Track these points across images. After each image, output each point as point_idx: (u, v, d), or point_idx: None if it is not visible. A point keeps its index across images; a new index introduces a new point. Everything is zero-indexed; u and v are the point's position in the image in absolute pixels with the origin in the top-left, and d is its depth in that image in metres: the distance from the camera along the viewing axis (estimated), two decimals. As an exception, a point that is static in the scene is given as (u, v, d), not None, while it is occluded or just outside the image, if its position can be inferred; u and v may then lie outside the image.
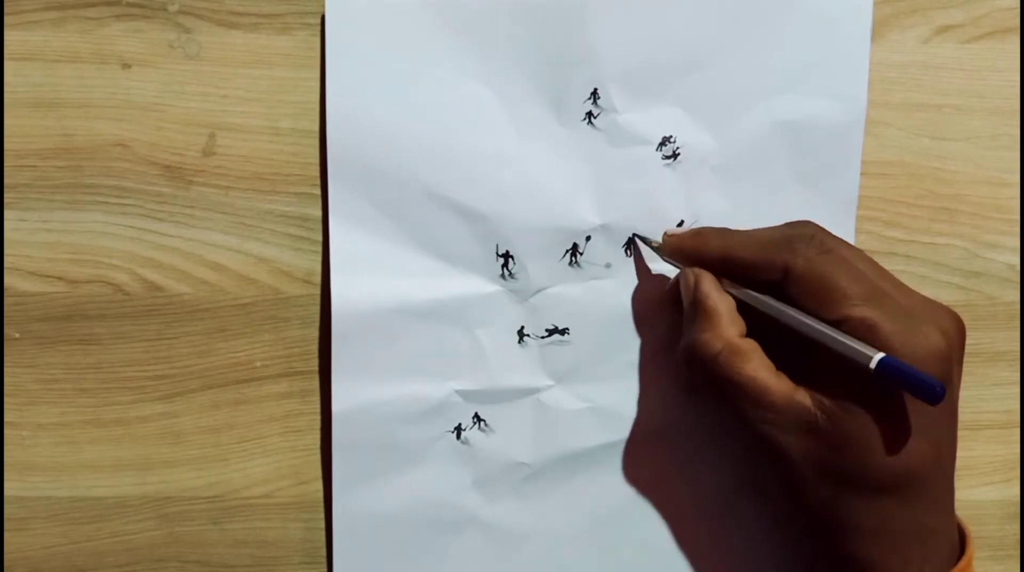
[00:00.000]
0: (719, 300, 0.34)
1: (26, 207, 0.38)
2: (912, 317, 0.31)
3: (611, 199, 0.38)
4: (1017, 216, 0.40)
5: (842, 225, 0.39)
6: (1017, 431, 0.41)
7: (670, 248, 0.37)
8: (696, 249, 0.36)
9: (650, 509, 0.40)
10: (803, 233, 0.33)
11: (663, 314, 0.39)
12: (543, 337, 0.39)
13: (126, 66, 0.38)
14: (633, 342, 0.39)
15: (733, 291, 0.35)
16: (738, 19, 0.37)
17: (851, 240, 0.39)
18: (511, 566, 0.40)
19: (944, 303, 0.33)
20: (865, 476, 0.32)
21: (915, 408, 0.31)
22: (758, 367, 0.33)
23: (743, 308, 0.35)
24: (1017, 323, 0.40)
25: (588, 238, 0.39)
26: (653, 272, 0.39)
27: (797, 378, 0.33)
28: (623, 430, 0.40)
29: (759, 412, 0.32)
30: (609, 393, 0.40)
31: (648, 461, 0.40)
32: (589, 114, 0.38)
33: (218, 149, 0.38)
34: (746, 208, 0.39)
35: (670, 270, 0.39)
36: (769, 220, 0.38)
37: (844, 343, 0.31)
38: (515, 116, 0.38)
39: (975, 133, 0.39)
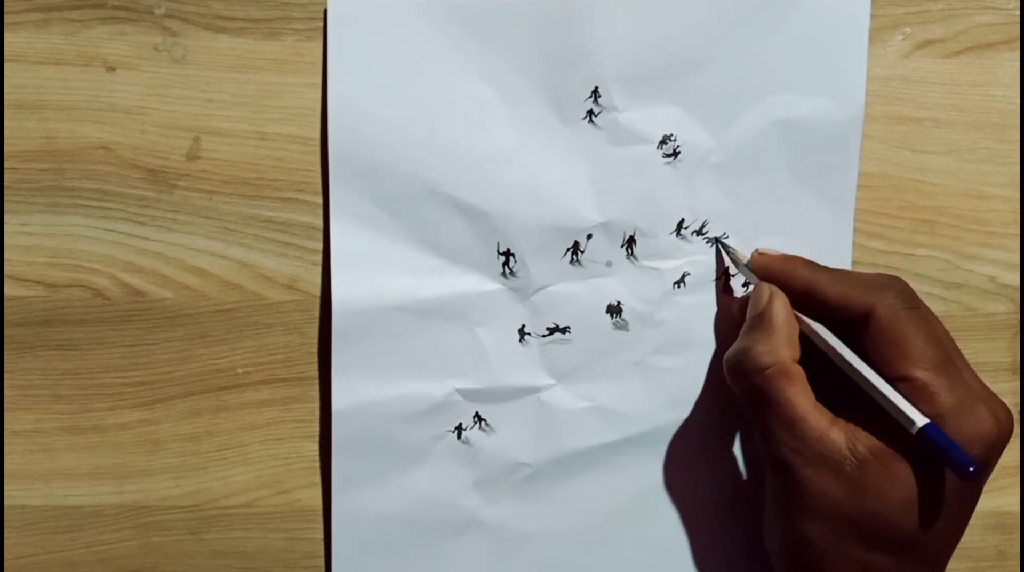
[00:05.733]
0: (785, 320, 0.34)
1: (6, 210, 0.38)
2: (972, 397, 0.31)
3: (612, 197, 0.38)
4: (996, 228, 0.40)
5: (840, 223, 0.39)
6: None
7: (758, 266, 0.37)
8: (783, 272, 0.36)
9: (650, 509, 0.40)
10: (892, 284, 0.34)
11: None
12: (544, 336, 0.39)
13: (110, 69, 0.37)
14: (634, 341, 0.39)
15: (802, 322, 0.35)
16: (737, 18, 0.38)
17: (848, 240, 0.39)
18: (512, 566, 0.40)
19: None
20: (874, 528, 0.31)
21: (942, 481, 0.31)
22: (800, 393, 0.33)
23: (802, 339, 0.35)
24: (998, 334, 0.41)
25: (589, 236, 0.39)
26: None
27: (837, 413, 0.33)
28: (624, 429, 0.40)
29: (789, 438, 0.32)
30: (610, 392, 0.39)
31: (649, 461, 0.40)
32: (590, 112, 0.38)
33: (202, 153, 0.38)
34: (746, 206, 0.39)
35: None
36: (769, 218, 0.39)
37: (894, 402, 0.31)
38: (516, 114, 0.38)
39: (955, 146, 0.40)
